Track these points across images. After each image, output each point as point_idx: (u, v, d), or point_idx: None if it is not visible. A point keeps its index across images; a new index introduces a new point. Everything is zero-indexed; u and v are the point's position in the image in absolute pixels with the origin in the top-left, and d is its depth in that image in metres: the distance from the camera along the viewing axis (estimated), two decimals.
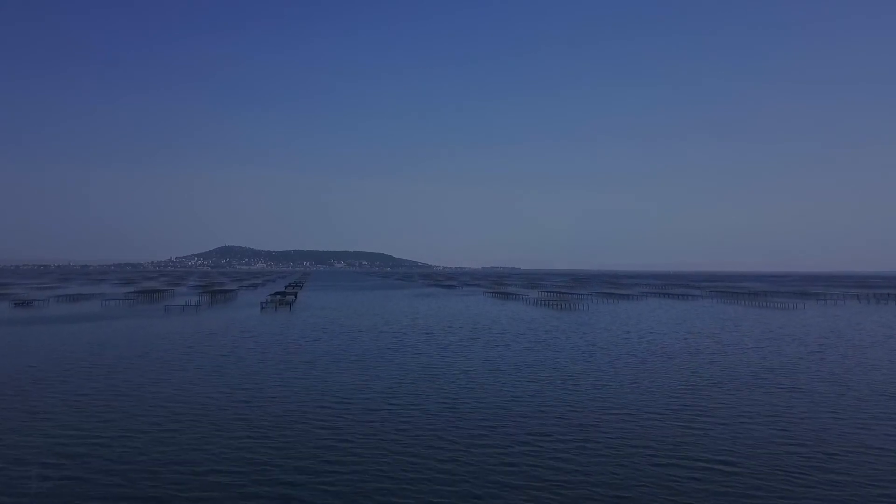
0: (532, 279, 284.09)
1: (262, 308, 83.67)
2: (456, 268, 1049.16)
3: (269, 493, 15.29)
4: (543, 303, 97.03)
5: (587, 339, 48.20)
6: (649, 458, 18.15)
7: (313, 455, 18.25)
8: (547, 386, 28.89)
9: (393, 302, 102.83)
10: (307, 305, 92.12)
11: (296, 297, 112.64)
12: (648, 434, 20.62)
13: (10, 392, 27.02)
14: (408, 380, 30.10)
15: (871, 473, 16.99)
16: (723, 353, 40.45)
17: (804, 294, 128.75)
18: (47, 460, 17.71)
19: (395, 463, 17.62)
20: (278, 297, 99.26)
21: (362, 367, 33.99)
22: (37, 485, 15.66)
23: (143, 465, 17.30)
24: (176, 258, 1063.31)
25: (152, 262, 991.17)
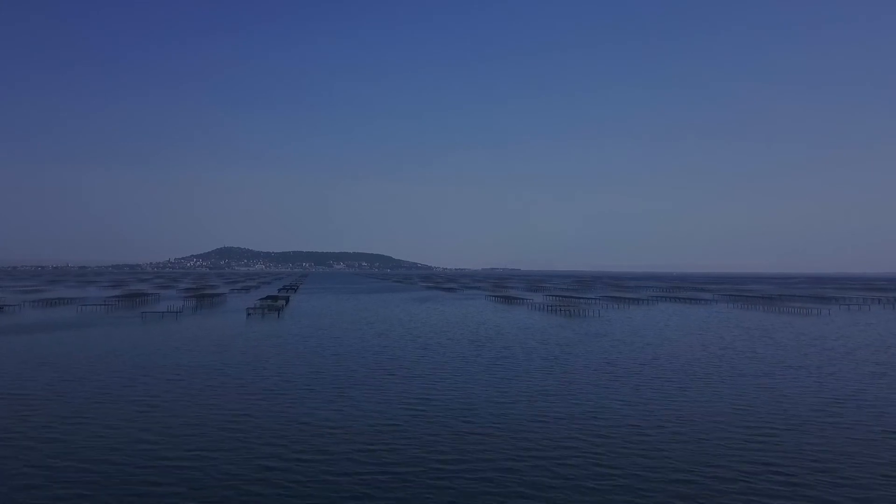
0: (534, 281, 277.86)
1: (249, 315, 77.67)
2: (456, 269, 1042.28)
3: None
4: (550, 308, 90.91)
5: (605, 354, 42.07)
6: None
7: None
8: (567, 432, 22.73)
9: (389, 307, 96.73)
10: (298, 311, 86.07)
11: (287, 301, 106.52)
12: None
13: None
14: (392, 421, 23.92)
15: None
16: (769, 375, 34.33)
17: (821, 298, 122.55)
18: None
19: None
20: (268, 301, 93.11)
21: (340, 397, 27.82)
22: None
23: None
24: (175, 259, 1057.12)
25: (151, 264, 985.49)
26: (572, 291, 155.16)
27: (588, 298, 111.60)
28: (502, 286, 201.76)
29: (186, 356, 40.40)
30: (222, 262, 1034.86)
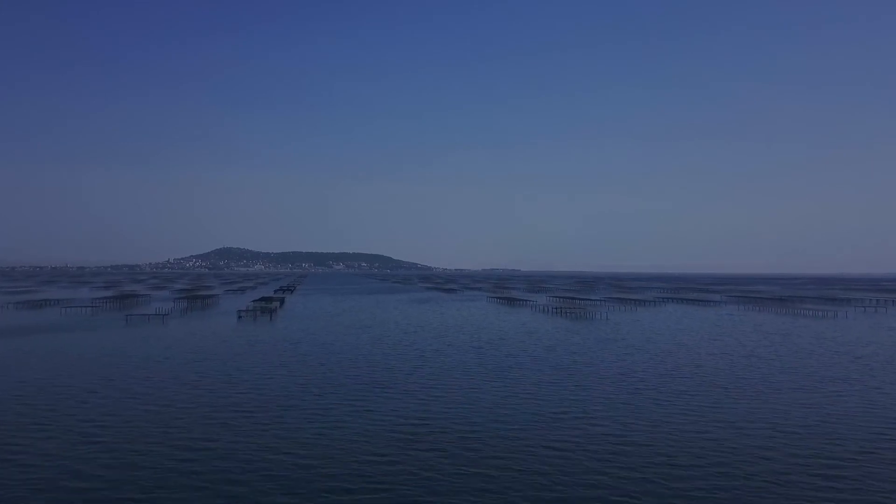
0: (535, 282, 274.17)
1: (240, 317, 73.99)
2: (456, 269, 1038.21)
3: None
4: (555, 310, 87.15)
5: (620, 364, 38.35)
6: None
7: None
8: (590, 470, 19.01)
9: (387, 309, 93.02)
10: (292, 313, 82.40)
11: (282, 302, 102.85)
12: None
13: None
14: (380, 452, 20.19)
15: None
16: (806, 389, 30.63)
17: (833, 300, 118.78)
18: None
19: None
20: (261, 303, 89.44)
21: (321, 419, 24.06)
22: None
23: None
24: (174, 260, 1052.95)
25: (150, 264, 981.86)
26: (575, 293, 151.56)
27: (593, 300, 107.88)
28: (503, 287, 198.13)
29: (159, 366, 36.67)
30: (221, 263, 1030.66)
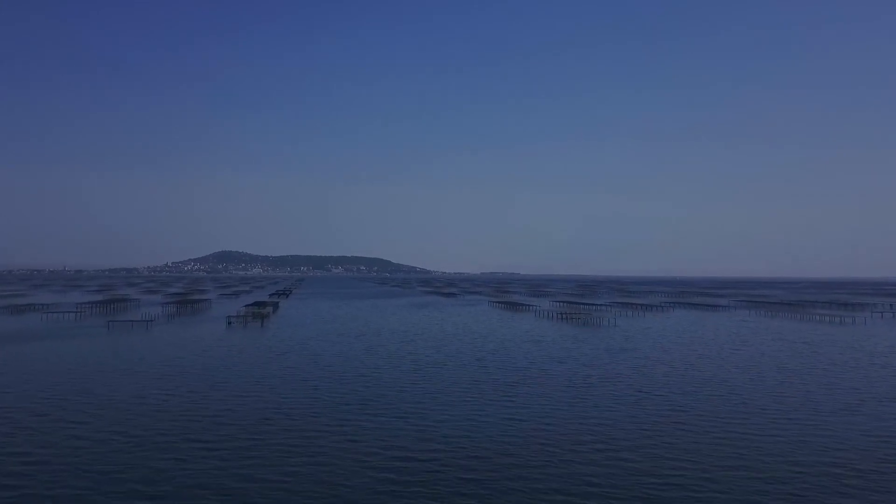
0: (535, 286, 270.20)
1: (229, 323, 70.07)
2: (455, 273, 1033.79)
3: None
4: (559, 316, 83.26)
5: (639, 378, 34.50)
6: None
7: None
8: None
9: (384, 315, 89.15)
10: (285, 319, 78.63)
11: (276, 307, 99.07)
12: None
13: None
14: (358, 502, 16.36)
15: None
16: (862, 413, 26.85)
17: (845, 304, 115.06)
18: None
19: None
20: (253, 308, 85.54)
21: (293, 457, 20.11)
22: None
23: None
24: (172, 263, 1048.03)
25: (148, 267, 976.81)
26: (578, 297, 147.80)
27: (597, 305, 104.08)
28: (504, 291, 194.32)
29: (124, 382, 32.76)
30: (220, 266, 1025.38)
